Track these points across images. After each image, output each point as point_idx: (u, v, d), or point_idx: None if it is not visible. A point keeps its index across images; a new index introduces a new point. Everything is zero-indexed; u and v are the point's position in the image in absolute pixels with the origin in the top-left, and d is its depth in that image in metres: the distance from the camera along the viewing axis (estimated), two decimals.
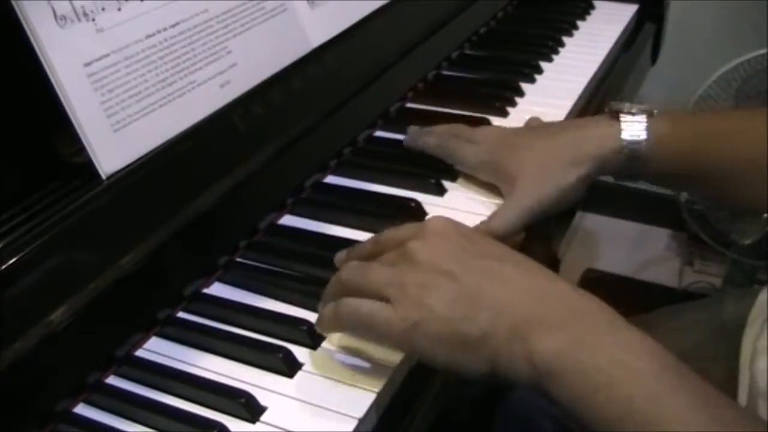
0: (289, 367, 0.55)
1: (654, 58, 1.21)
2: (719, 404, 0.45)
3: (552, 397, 0.47)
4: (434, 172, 0.75)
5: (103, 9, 0.58)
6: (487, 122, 0.85)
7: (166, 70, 0.62)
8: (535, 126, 0.78)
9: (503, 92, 0.91)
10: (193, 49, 0.64)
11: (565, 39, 1.05)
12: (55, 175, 0.57)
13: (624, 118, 0.69)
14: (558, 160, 0.69)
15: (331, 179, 0.77)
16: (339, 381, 0.54)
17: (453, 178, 0.75)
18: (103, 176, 0.56)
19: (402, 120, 0.85)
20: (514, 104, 0.89)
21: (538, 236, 0.71)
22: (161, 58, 0.62)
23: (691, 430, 0.42)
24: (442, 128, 0.78)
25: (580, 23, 1.09)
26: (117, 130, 0.58)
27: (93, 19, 0.57)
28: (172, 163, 0.61)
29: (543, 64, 0.98)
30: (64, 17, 0.55)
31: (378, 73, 0.83)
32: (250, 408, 0.52)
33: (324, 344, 0.57)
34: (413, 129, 0.80)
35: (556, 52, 1.02)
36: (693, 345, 0.74)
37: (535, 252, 0.63)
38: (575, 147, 0.70)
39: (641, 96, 1.29)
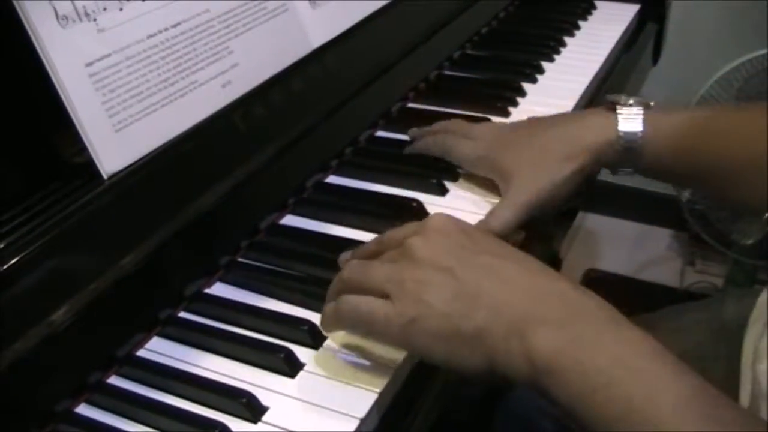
0: (290, 367, 0.55)
1: (655, 58, 1.21)
2: (719, 404, 0.44)
3: (550, 395, 0.47)
4: (436, 172, 0.75)
5: (105, 9, 0.58)
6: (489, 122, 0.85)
7: (168, 70, 0.62)
8: (531, 120, 0.78)
9: (505, 92, 0.91)
10: (194, 49, 0.64)
11: (567, 39, 1.05)
12: (57, 175, 0.57)
13: (620, 109, 0.70)
14: (553, 154, 0.69)
15: (332, 179, 0.77)
16: (340, 381, 0.54)
17: (454, 178, 0.75)
18: (105, 176, 0.56)
19: (403, 120, 0.85)
20: (515, 104, 0.89)
21: (539, 236, 0.71)
22: (163, 58, 0.62)
23: (691, 430, 0.42)
24: (439, 125, 0.79)
25: (581, 23, 1.09)
26: (118, 130, 0.58)
27: (94, 19, 0.57)
28: (174, 163, 0.61)
29: (544, 64, 0.98)
30: (65, 17, 0.55)
31: (379, 73, 0.83)
32: (251, 408, 0.52)
33: (325, 344, 0.57)
34: (413, 131, 0.80)
35: (558, 52, 1.02)
36: (694, 345, 0.74)
37: (536, 252, 0.63)
38: (571, 140, 0.70)
39: (642, 96, 1.28)
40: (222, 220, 0.64)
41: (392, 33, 0.87)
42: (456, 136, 0.76)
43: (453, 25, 0.98)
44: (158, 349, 0.58)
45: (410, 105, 0.90)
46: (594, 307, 0.49)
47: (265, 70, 0.70)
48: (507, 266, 0.52)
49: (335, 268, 0.58)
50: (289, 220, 0.71)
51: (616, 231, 2.00)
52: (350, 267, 0.55)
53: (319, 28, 0.77)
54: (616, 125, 0.69)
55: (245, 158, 0.66)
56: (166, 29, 0.62)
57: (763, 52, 1.47)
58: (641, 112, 0.69)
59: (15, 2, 0.53)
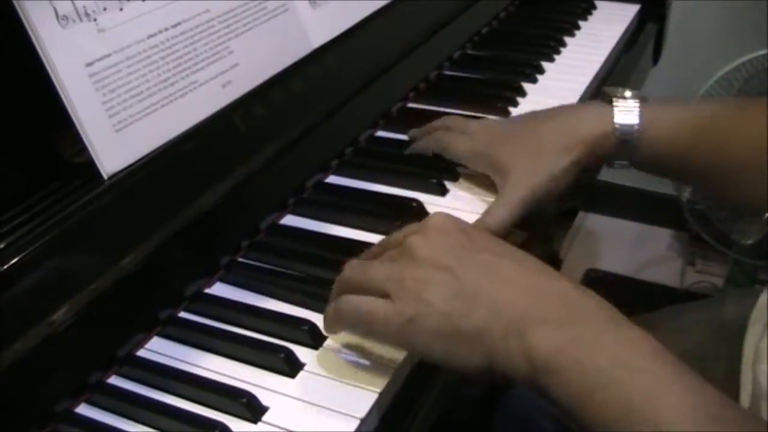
0: (290, 367, 0.55)
1: (656, 58, 1.21)
2: (720, 404, 0.44)
3: (550, 394, 0.46)
4: (436, 172, 0.75)
5: (105, 9, 0.58)
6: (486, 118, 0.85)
7: (168, 70, 0.62)
8: (527, 114, 0.78)
9: (505, 92, 0.91)
10: (194, 49, 0.64)
11: (567, 39, 1.05)
12: (57, 175, 0.57)
13: (617, 102, 0.70)
14: (549, 146, 0.69)
15: (332, 179, 0.77)
16: (341, 381, 0.54)
17: (455, 178, 0.75)
18: (105, 176, 0.56)
19: (403, 120, 0.85)
20: (515, 104, 0.89)
21: (539, 236, 0.71)
22: (163, 58, 0.62)
23: (691, 430, 0.42)
24: (436, 122, 0.79)
25: (581, 23, 1.09)
26: (118, 130, 0.58)
27: (95, 19, 0.57)
28: (174, 163, 0.61)
29: (545, 64, 0.98)
30: (65, 17, 0.55)
31: (379, 73, 0.83)
32: (251, 408, 0.52)
33: (325, 344, 0.57)
34: (413, 132, 0.80)
35: (558, 52, 1.02)
36: (694, 345, 0.74)
37: (536, 252, 0.63)
38: (567, 131, 0.70)
39: None
40: (222, 220, 0.64)
41: (392, 33, 0.87)
42: (453, 132, 0.76)
43: (453, 25, 0.98)
44: (158, 349, 0.58)
45: (410, 105, 0.90)
46: (594, 306, 0.49)
47: (265, 70, 0.70)
48: (507, 265, 0.52)
49: (335, 268, 0.58)
50: (290, 220, 0.71)
51: (616, 231, 2.00)
52: (350, 267, 0.55)
53: (319, 28, 0.77)
54: (612, 117, 0.69)
55: (245, 158, 0.66)
56: (166, 29, 0.62)
57: (763, 52, 1.47)
58: (637, 105, 0.69)
59: (15, 2, 0.53)
